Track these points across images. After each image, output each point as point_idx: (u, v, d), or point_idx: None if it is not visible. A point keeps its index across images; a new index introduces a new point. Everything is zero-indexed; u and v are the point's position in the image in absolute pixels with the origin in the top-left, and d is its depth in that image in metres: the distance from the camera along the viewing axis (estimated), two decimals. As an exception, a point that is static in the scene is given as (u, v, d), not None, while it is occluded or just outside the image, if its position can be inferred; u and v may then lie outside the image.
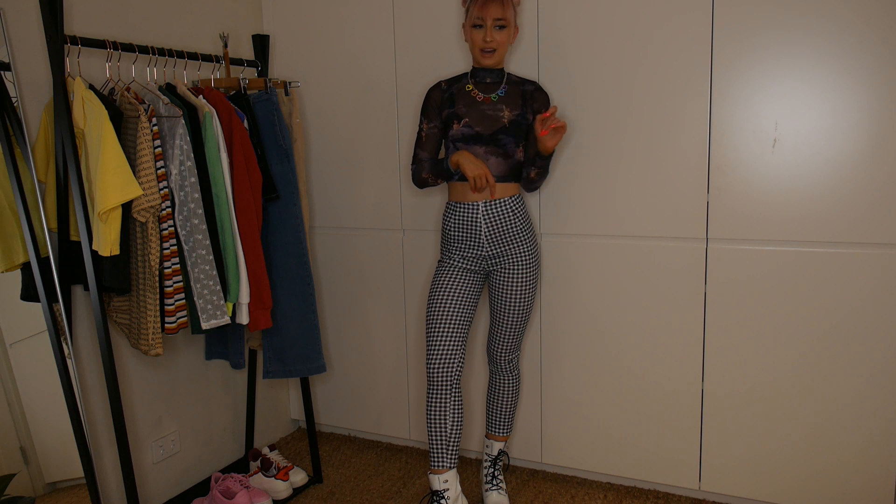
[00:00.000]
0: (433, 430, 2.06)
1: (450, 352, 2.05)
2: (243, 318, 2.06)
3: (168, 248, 1.86)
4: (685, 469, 2.26)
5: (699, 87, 2.07)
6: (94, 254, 1.79)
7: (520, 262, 2.10)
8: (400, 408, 2.72)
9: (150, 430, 2.25)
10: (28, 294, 1.85)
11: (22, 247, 1.82)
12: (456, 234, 2.10)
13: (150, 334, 1.85)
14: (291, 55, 2.67)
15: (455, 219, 2.10)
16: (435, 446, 2.06)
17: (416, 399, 2.68)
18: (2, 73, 1.76)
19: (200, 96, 2.01)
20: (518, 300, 2.13)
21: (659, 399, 2.26)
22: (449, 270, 2.11)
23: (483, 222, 2.06)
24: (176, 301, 1.89)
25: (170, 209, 1.87)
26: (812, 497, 2.11)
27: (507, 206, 2.07)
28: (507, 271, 2.11)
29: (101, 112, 1.75)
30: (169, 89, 2.02)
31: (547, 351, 2.41)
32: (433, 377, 2.05)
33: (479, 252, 2.09)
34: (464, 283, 2.10)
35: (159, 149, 1.84)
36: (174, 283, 1.88)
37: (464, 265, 2.11)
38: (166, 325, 1.89)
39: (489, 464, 2.34)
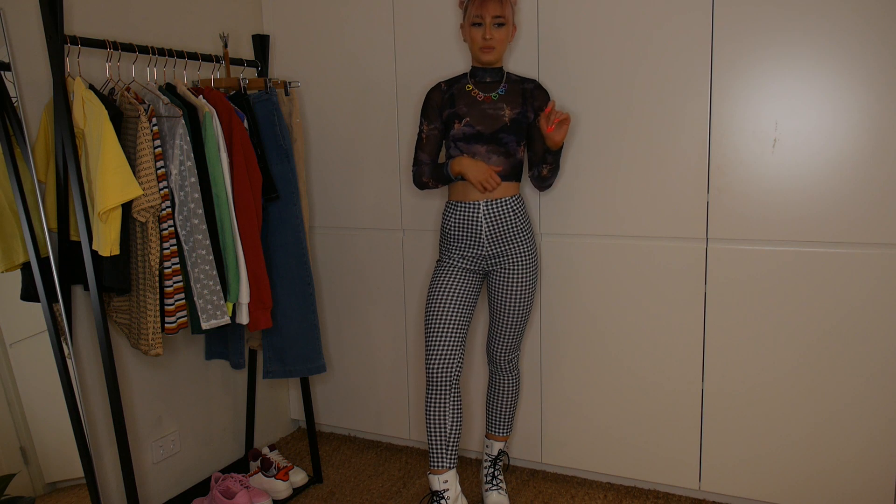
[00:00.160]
0: (433, 430, 2.06)
1: (449, 352, 2.05)
2: (243, 318, 2.06)
3: (168, 248, 1.86)
4: (685, 469, 2.26)
5: (699, 87, 2.07)
6: (94, 254, 1.79)
7: (519, 262, 2.10)
8: (400, 408, 2.72)
9: (150, 430, 2.25)
10: (28, 294, 1.85)
11: (22, 247, 1.82)
12: (456, 233, 2.10)
13: (150, 334, 1.85)
14: (291, 55, 2.67)
15: (456, 218, 2.10)
16: (434, 446, 2.06)
17: (416, 399, 2.68)
18: (2, 73, 1.76)
19: (200, 96, 2.01)
20: (517, 300, 2.13)
21: (659, 399, 2.26)
22: (448, 270, 2.11)
23: (484, 221, 2.06)
24: (176, 301, 1.89)
25: (170, 209, 1.87)
26: (812, 497, 2.11)
27: (509, 206, 2.07)
28: (506, 271, 2.11)
29: (101, 112, 1.75)
30: (169, 89, 2.02)
31: (547, 351, 2.41)
32: (432, 377, 2.05)
33: (478, 251, 2.09)
34: (463, 282, 2.10)
35: (159, 149, 1.84)
36: (174, 283, 1.88)
37: (463, 265, 2.11)
38: (166, 325, 1.89)
39: (489, 464, 2.34)
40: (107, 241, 1.75)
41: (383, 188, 2.58)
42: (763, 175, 2.03)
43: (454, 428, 2.05)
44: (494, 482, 2.30)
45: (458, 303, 2.07)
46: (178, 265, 1.89)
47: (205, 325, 1.95)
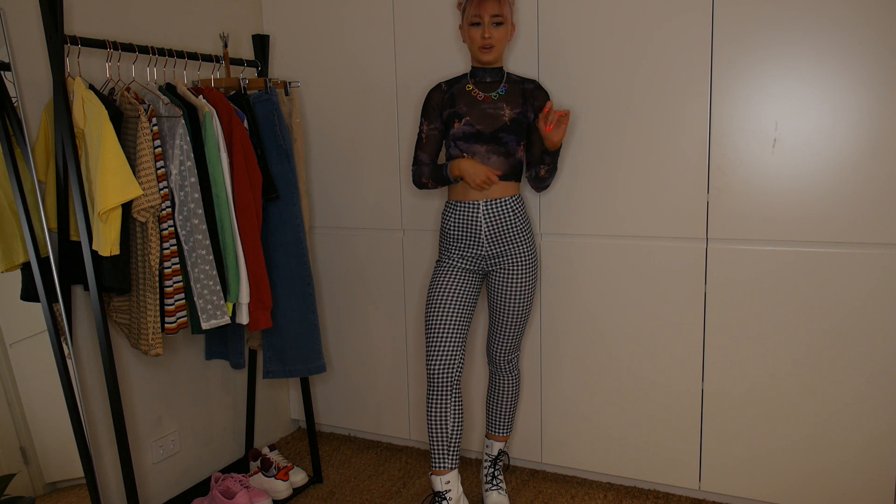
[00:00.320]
0: (434, 430, 2.06)
1: (449, 352, 2.05)
2: (243, 318, 2.06)
3: (168, 248, 1.86)
4: (685, 469, 2.26)
5: (699, 87, 2.07)
6: (94, 254, 1.79)
7: (519, 262, 2.10)
8: (400, 408, 2.72)
9: (150, 430, 2.25)
10: (28, 294, 1.85)
11: (22, 247, 1.82)
12: (456, 233, 2.10)
13: (150, 334, 1.85)
14: (291, 55, 2.67)
15: (455, 218, 2.10)
16: (436, 447, 2.06)
17: (416, 399, 2.68)
18: (2, 73, 1.76)
19: (200, 96, 2.01)
20: (517, 300, 2.13)
21: (659, 399, 2.26)
22: (448, 270, 2.11)
23: (483, 221, 2.06)
24: (176, 301, 1.89)
25: (170, 209, 1.87)
26: (812, 497, 2.11)
27: (508, 206, 2.07)
28: (506, 271, 2.11)
29: (101, 112, 1.75)
30: (169, 89, 2.02)
31: (547, 351, 2.41)
32: (433, 378, 2.05)
33: (478, 251, 2.09)
34: (463, 282, 2.10)
35: (159, 149, 1.84)
36: (174, 283, 1.88)
37: (462, 265, 2.11)
38: (166, 325, 1.89)
39: (489, 464, 2.34)
40: (107, 241, 1.75)
41: (383, 188, 2.58)
42: (763, 175, 2.03)
43: (455, 428, 2.05)
44: (494, 482, 2.30)
45: (458, 303, 2.07)
46: (178, 265, 1.89)
47: (205, 325, 1.95)
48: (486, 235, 2.07)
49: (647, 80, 2.13)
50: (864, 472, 2.04)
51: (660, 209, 2.17)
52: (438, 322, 2.06)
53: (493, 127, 2.04)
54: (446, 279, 2.10)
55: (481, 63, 2.06)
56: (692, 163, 2.11)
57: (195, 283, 1.92)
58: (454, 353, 2.05)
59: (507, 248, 2.09)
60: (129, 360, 2.15)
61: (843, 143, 1.94)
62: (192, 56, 2.16)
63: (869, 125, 1.91)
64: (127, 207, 1.80)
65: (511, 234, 2.08)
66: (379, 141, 2.56)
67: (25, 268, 1.83)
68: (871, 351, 1.99)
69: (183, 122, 1.89)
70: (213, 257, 1.95)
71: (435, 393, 2.05)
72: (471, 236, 2.08)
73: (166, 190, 1.86)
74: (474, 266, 2.12)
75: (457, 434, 2.06)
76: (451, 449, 2.06)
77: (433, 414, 2.06)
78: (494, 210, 2.06)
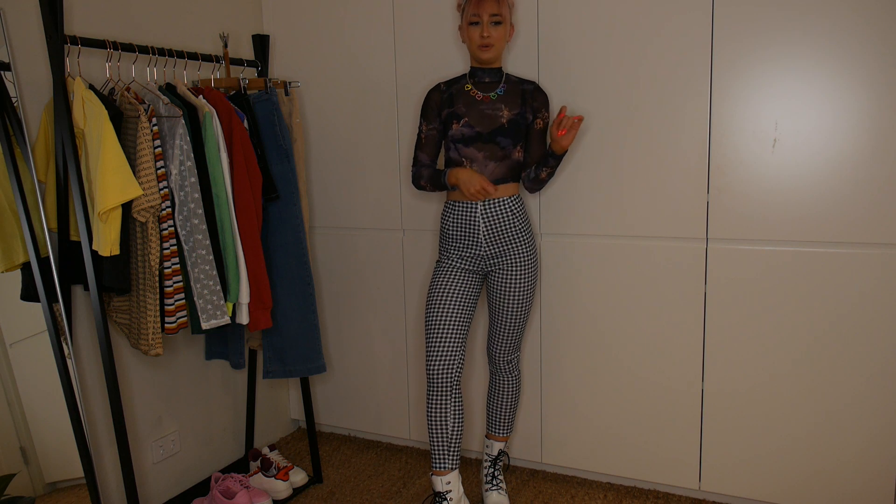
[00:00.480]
0: (434, 431, 2.06)
1: (450, 353, 2.05)
2: (243, 318, 2.06)
3: (168, 248, 1.86)
4: (685, 469, 2.26)
5: (699, 87, 2.07)
6: (94, 254, 1.79)
7: (518, 263, 2.10)
8: (400, 408, 2.72)
9: (150, 430, 2.25)
10: (28, 294, 1.85)
11: (22, 247, 1.82)
12: (454, 233, 2.10)
13: (150, 334, 1.85)
14: (291, 55, 2.67)
15: (453, 218, 2.10)
16: (436, 448, 2.06)
17: (416, 399, 2.68)
18: (2, 73, 1.76)
19: (200, 96, 2.01)
20: (517, 301, 2.13)
21: (659, 399, 2.26)
22: (447, 271, 2.11)
23: (482, 222, 2.06)
24: (176, 301, 1.89)
25: (170, 209, 1.87)
26: (812, 497, 2.11)
27: (506, 206, 2.07)
28: (505, 272, 2.11)
29: (101, 112, 1.75)
30: (169, 89, 2.02)
31: (547, 351, 2.41)
32: (433, 378, 2.05)
33: (477, 252, 2.09)
34: (462, 283, 2.10)
35: (159, 149, 1.84)
36: (174, 283, 1.88)
37: (462, 265, 2.11)
38: (166, 325, 1.89)
39: (489, 464, 2.34)
40: (107, 241, 1.75)
41: (383, 188, 2.58)
42: (763, 175, 2.03)
43: (455, 429, 2.05)
44: (494, 482, 2.30)
45: (458, 303, 2.07)
46: (178, 265, 1.89)
47: (205, 325, 1.95)
48: (484, 236, 2.07)
49: (648, 80, 2.13)
50: (864, 472, 2.04)
51: (660, 209, 2.17)
52: (438, 322, 2.06)
53: (490, 128, 2.04)
54: (446, 279, 2.10)
55: (480, 62, 2.06)
56: (692, 163, 2.11)
57: (195, 283, 1.92)
58: (454, 353, 2.05)
59: (505, 248, 2.09)
60: (129, 360, 2.15)
61: (843, 143, 1.94)
62: (192, 56, 2.16)
63: (869, 125, 1.91)
64: (127, 207, 1.80)
65: (509, 234, 2.08)
66: (379, 141, 2.56)
67: (25, 268, 1.83)
68: (871, 351, 1.99)
69: (183, 122, 1.89)
70: (213, 257, 1.95)
71: (435, 393, 2.05)
72: (469, 237, 2.08)
73: (166, 190, 1.86)
74: (474, 266, 2.12)
75: (457, 434, 2.06)
76: (452, 449, 2.06)
77: (433, 414, 2.06)
78: (492, 210, 2.06)
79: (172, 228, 1.87)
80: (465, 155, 2.05)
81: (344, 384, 2.82)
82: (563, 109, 1.97)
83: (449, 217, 2.11)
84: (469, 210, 2.07)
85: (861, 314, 1.98)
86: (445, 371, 2.04)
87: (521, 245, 2.10)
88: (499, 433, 2.34)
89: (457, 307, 2.07)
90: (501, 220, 2.07)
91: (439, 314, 2.06)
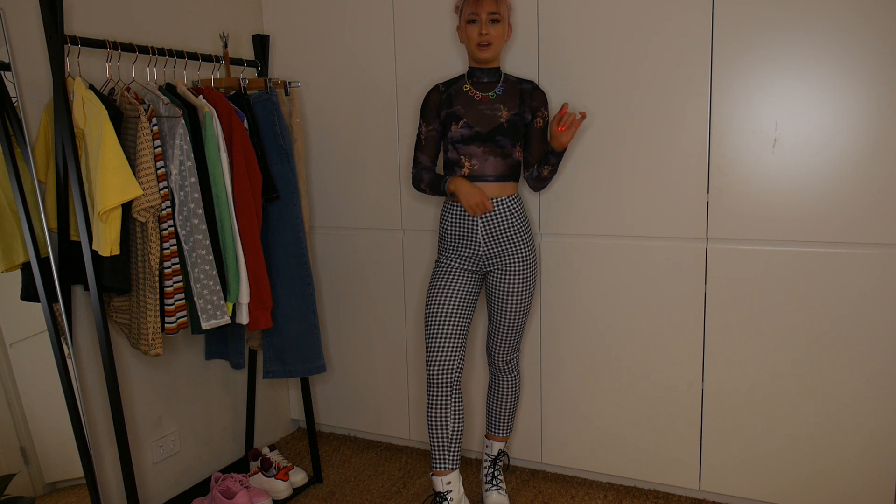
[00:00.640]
0: (434, 432, 2.06)
1: (450, 354, 2.05)
2: (243, 318, 2.06)
3: (168, 248, 1.86)
4: (685, 469, 2.26)
5: (699, 87, 2.07)
6: (94, 254, 1.79)
7: (517, 263, 2.10)
8: (400, 408, 2.72)
9: (150, 430, 2.25)
10: (28, 294, 1.85)
11: (22, 247, 1.82)
12: (453, 233, 2.10)
13: (150, 334, 1.85)
14: (291, 55, 2.67)
15: (452, 218, 2.10)
16: (437, 448, 2.06)
17: (416, 399, 2.68)
18: (2, 73, 1.76)
19: (200, 96, 2.01)
20: (516, 301, 2.13)
21: (659, 399, 2.26)
22: (446, 271, 2.11)
23: (480, 222, 2.06)
24: (176, 301, 1.89)
25: (170, 209, 1.87)
26: (812, 497, 2.11)
27: (505, 206, 2.07)
28: (504, 272, 2.11)
29: (101, 112, 1.75)
30: (169, 89, 2.02)
31: (547, 351, 2.41)
32: (433, 380, 2.05)
33: (476, 251, 2.09)
34: (462, 283, 2.10)
35: (159, 149, 1.84)
36: (174, 283, 1.88)
37: (461, 265, 2.11)
38: (166, 325, 1.89)
39: (489, 464, 2.34)
40: (107, 241, 1.75)
41: (383, 188, 2.58)
42: (763, 175, 2.03)
43: (456, 429, 2.05)
44: (494, 482, 2.30)
45: (457, 303, 2.07)
46: (178, 265, 1.89)
47: (205, 325, 1.95)
48: (482, 235, 2.07)
49: (648, 80, 2.13)
50: (864, 472, 2.04)
51: (660, 209, 2.17)
52: (438, 322, 2.06)
53: (489, 127, 2.04)
54: (445, 279, 2.10)
55: (479, 62, 2.06)
56: (692, 163, 2.11)
57: (195, 283, 1.92)
58: (454, 353, 2.05)
59: (504, 248, 2.09)
60: (129, 360, 2.15)
61: (843, 143, 1.94)
62: (192, 56, 2.16)
63: (869, 125, 1.91)
64: (127, 207, 1.80)
65: (508, 234, 2.08)
66: (379, 141, 2.56)
67: (25, 268, 1.83)
68: (871, 351, 1.99)
69: (183, 122, 1.89)
70: (213, 257, 1.95)
71: (435, 393, 2.05)
72: (468, 236, 2.08)
73: (166, 190, 1.86)
74: (473, 266, 2.12)
75: (457, 434, 2.06)
76: (452, 449, 2.06)
77: (433, 414, 2.05)
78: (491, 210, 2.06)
79: (172, 228, 1.87)
80: (463, 153, 2.05)
81: (344, 384, 2.82)
82: (564, 106, 1.97)
83: (448, 217, 2.11)
84: (469, 210, 2.07)
85: (861, 314, 1.98)
86: (446, 371, 2.04)
87: (520, 245, 2.10)
88: (498, 433, 2.34)
89: (456, 307, 2.07)
90: (500, 219, 2.07)
91: (439, 314, 2.06)
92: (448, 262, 2.13)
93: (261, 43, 2.41)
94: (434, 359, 2.05)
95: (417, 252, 2.56)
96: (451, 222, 2.10)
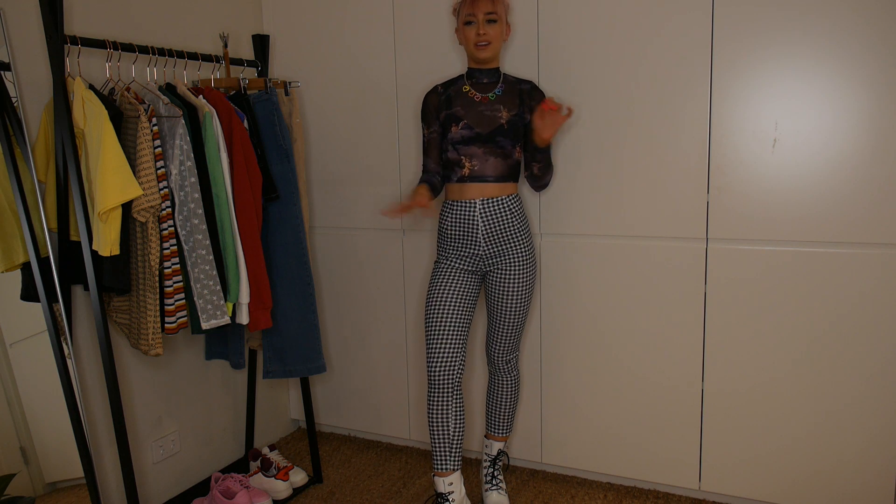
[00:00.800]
0: (435, 433, 2.06)
1: (450, 355, 2.05)
2: (243, 318, 2.06)
3: (168, 248, 1.86)
4: (685, 469, 2.26)
5: (699, 87, 2.07)
6: (94, 254, 1.79)
7: (517, 262, 2.10)
8: (400, 408, 2.72)
9: (150, 430, 2.25)
10: (28, 294, 1.85)
11: (22, 247, 1.82)
12: (453, 232, 2.10)
13: (150, 334, 1.85)
14: (291, 55, 2.67)
15: (452, 217, 2.10)
16: (438, 449, 2.06)
17: (416, 399, 2.68)
18: (2, 73, 1.76)
19: (200, 96, 2.01)
20: (515, 301, 2.13)
21: (659, 399, 2.26)
22: (446, 271, 2.11)
23: (480, 220, 2.06)
24: (176, 301, 1.89)
25: (170, 209, 1.87)
26: (812, 497, 2.11)
27: (505, 205, 2.07)
28: (503, 271, 2.11)
29: (101, 112, 1.75)
30: (169, 89, 2.02)
31: (547, 351, 2.41)
32: (434, 381, 2.05)
33: (475, 251, 2.09)
34: (461, 283, 2.10)
35: (159, 149, 1.84)
36: (174, 283, 1.88)
37: (460, 265, 2.11)
38: (166, 325, 1.89)
39: (489, 464, 2.34)
40: (107, 241, 1.75)
41: (383, 188, 2.58)
42: (763, 175, 2.03)
43: (457, 430, 2.05)
44: (494, 482, 2.30)
45: (457, 303, 2.07)
46: (178, 265, 1.89)
47: (205, 325, 1.95)
48: (482, 235, 2.07)
49: (648, 80, 2.13)
50: (864, 472, 2.04)
51: (660, 209, 2.17)
52: (438, 322, 2.06)
53: (490, 128, 2.04)
54: (445, 279, 2.10)
55: (478, 62, 2.06)
56: (692, 163, 2.11)
57: (195, 283, 1.92)
58: (455, 353, 2.05)
59: (504, 247, 2.09)
60: (129, 360, 2.15)
61: (843, 143, 1.94)
62: (192, 56, 2.16)
63: (869, 125, 1.91)
64: (127, 207, 1.80)
65: (508, 233, 2.08)
66: (379, 141, 2.56)
67: (25, 268, 1.83)
68: (871, 351, 1.99)
69: (183, 122, 1.89)
70: (213, 257, 1.95)
71: (436, 394, 2.05)
72: (468, 236, 2.08)
73: (166, 190, 1.86)
74: (472, 266, 2.12)
75: (459, 435, 2.06)
76: (454, 450, 2.06)
77: (434, 415, 2.05)
78: (491, 209, 2.06)
79: (172, 228, 1.87)
80: (464, 153, 2.05)
81: (344, 384, 2.82)
82: (545, 101, 1.94)
83: (448, 216, 2.11)
84: (468, 208, 2.07)
85: (861, 314, 1.98)
86: (446, 371, 2.04)
87: (519, 245, 2.10)
88: (498, 433, 2.34)
89: (456, 307, 2.07)
90: (500, 219, 2.07)
91: (439, 314, 2.06)
92: (447, 262, 2.13)
93: (261, 43, 2.41)
94: (435, 359, 2.05)
95: (417, 252, 2.56)
96: (451, 222, 2.10)
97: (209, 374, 2.48)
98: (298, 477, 2.46)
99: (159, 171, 1.84)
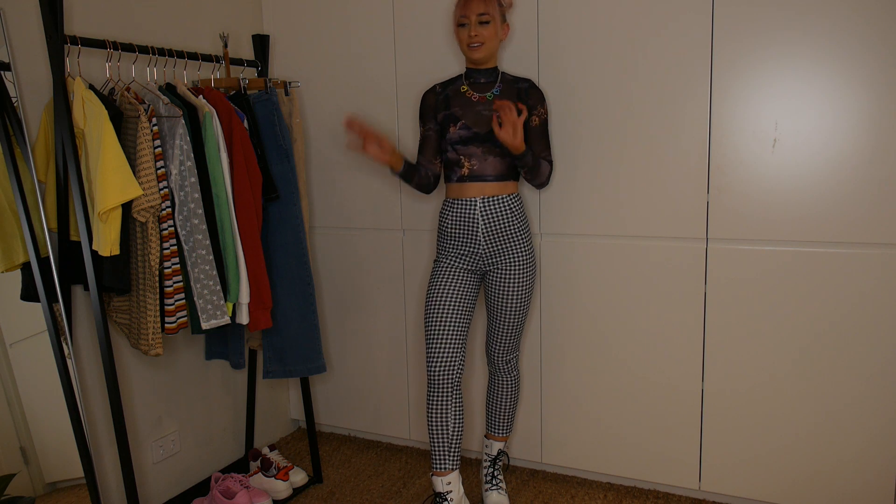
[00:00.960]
0: (435, 432, 2.06)
1: (450, 355, 2.05)
2: (243, 318, 2.06)
3: (168, 248, 1.86)
4: (685, 469, 2.26)
5: (699, 87, 2.07)
6: (94, 254, 1.79)
7: (516, 262, 2.10)
8: (400, 408, 2.72)
9: (150, 430, 2.25)
10: (28, 294, 1.85)
11: (22, 247, 1.82)
12: (453, 231, 2.10)
13: (150, 334, 1.85)
14: (291, 55, 2.67)
15: (452, 216, 2.10)
16: (437, 449, 2.06)
17: (416, 399, 2.68)
18: (2, 73, 1.76)
19: (200, 96, 2.01)
20: (515, 301, 2.13)
21: (659, 399, 2.26)
22: (445, 270, 2.11)
23: (480, 219, 2.06)
24: (176, 301, 1.89)
25: (170, 209, 1.87)
26: (812, 497, 2.11)
27: (505, 204, 2.07)
28: (503, 271, 2.11)
29: (101, 112, 1.75)
30: (169, 89, 2.02)
31: (547, 351, 2.41)
32: (434, 380, 2.05)
33: (475, 250, 2.09)
34: (461, 282, 2.10)
35: (159, 149, 1.84)
36: (174, 283, 1.88)
37: (460, 264, 2.11)
38: (166, 325, 1.89)
39: (489, 464, 2.34)
40: (107, 241, 1.75)
41: (383, 188, 2.58)
42: (763, 175, 2.03)
43: (456, 430, 2.05)
44: (494, 482, 2.30)
45: (456, 302, 2.07)
46: (178, 265, 1.89)
47: (205, 325, 1.95)
48: (483, 233, 2.07)
49: (648, 81, 2.13)
50: (864, 472, 2.04)
51: (660, 209, 2.17)
52: (438, 322, 2.06)
53: (488, 128, 2.04)
54: (444, 279, 2.10)
55: (473, 63, 2.06)
56: (692, 163, 2.11)
57: (195, 283, 1.92)
58: (454, 353, 2.05)
59: (504, 247, 2.09)
60: (129, 360, 2.15)
61: (843, 143, 1.94)
62: (192, 56, 2.16)
63: (869, 125, 1.91)
64: (127, 207, 1.80)
65: (508, 232, 2.08)
66: (379, 141, 2.56)
67: (25, 268, 1.83)
68: (871, 351, 1.99)
69: (183, 122, 1.89)
70: (213, 257, 1.95)
71: (435, 393, 2.05)
72: (468, 234, 2.08)
73: (166, 190, 1.86)
74: (472, 266, 2.12)
75: (458, 434, 2.06)
76: (452, 449, 2.06)
77: (434, 414, 2.05)
78: (491, 207, 2.06)
79: (172, 228, 1.87)
80: (463, 153, 2.06)
81: (344, 384, 2.82)
82: (500, 105, 1.90)
83: (448, 215, 2.11)
84: (468, 207, 2.07)
85: (861, 314, 1.98)
86: (446, 371, 2.04)
87: (519, 244, 2.10)
88: (498, 433, 2.34)
89: (456, 306, 2.07)
90: (500, 217, 2.07)
91: (439, 314, 2.06)
92: (447, 261, 2.13)
93: (261, 43, 2.41)
94: (434, 358, 2.05)
95: (417, 252, 2.56)
96: (451, 221, 2.10)
97: (209, 374, 2.48)
98: (298, 477, 2.46)
99: (159, 171, 1.84)
